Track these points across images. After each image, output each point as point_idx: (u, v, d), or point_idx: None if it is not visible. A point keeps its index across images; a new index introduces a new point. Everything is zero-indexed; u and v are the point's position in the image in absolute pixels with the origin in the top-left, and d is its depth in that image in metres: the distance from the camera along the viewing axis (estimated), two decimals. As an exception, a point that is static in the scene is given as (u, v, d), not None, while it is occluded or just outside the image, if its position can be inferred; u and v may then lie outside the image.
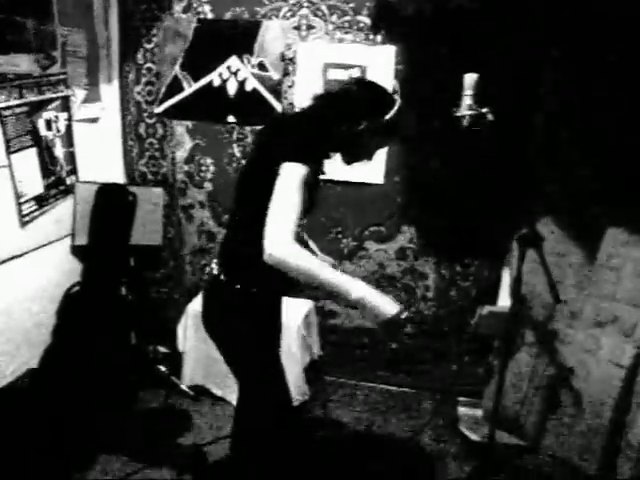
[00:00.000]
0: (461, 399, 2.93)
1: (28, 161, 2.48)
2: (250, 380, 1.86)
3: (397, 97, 1.78)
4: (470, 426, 2.75)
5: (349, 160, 1.85)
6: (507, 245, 2.72)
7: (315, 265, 1.53)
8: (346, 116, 1.71)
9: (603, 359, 2.42)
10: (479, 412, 2.83)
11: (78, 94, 2.75)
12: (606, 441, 2.39)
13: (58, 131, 2.65)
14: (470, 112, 1.97)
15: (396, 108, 1.73)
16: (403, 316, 1.58)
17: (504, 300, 2.74)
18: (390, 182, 2.85)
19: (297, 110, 1.90)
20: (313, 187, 1.69)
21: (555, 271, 2.33)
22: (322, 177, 1.84)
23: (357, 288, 1.54)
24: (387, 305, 1.56)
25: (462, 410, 2.87)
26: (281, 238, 1.49)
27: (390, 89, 1.86)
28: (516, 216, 2.22)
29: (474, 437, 2.68)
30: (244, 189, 1.78)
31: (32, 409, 2.37)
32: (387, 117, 1.71)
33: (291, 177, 1.54)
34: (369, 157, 1.84)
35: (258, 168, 1.70)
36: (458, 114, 2.00)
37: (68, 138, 2.73)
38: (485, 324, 2.62)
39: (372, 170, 2.80)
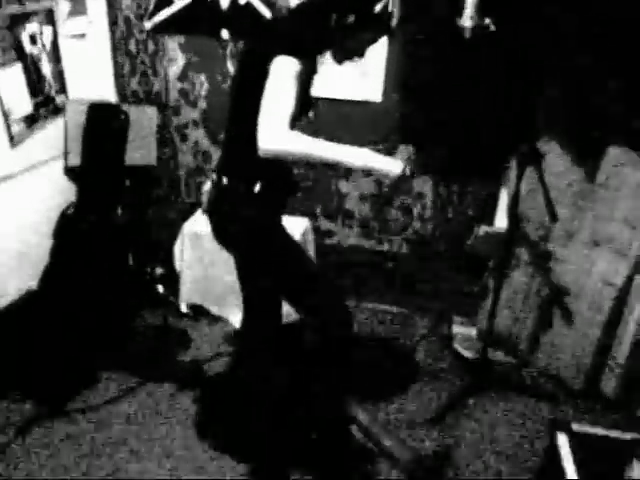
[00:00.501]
0: (456, 318, 2.99)
1: (14, 78, 2.39)
2: (256, 293, 1.89)
3: None
4: (464, 344, 2.81)
5: (340, 57, 1.77)
6: (506, 164, 2.68)
7: (314, 145, 1.55)
8: (334, 8, 1.64)
9: (596, 278, 2.44)
10: (473, 331, 2.88)
11: (62, 6, 2.62)
12: (594, 358, 2.46)
13: (44, 46, 2.55)
14: (472, 22, 1.89)
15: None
16: (408, 171, 1.71)
17: (501, 221, 2.73)
18: (389, 100, 2.77)
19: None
20: (307, 86, 1.66)
21: (553, 191, 2.31)
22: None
23: (360, 157, 1.64)
24: (390, 165, 1.69)
25: (456, 329, 2.92)
26: (275, 129, 1.49)
27: None
28: (516, 134, 2.17)
29: (467, 354, 2.74)
30: (239, 96, 1.72)
31: (32, 329, 2.42)
32: (377, 8, 1.64)
33: (283, 70, 1.51)
34: (361, 53, 1.76)
35: (251, 71, 1.64)
36: (460, 24, 1.91)
37: (55, 54, 2.63)
38: (481, 244, 2.63)
39: (370, 87, 2.72)
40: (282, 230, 1.87)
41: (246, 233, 1.79)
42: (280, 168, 1.74)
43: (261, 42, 1.67)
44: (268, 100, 1.50)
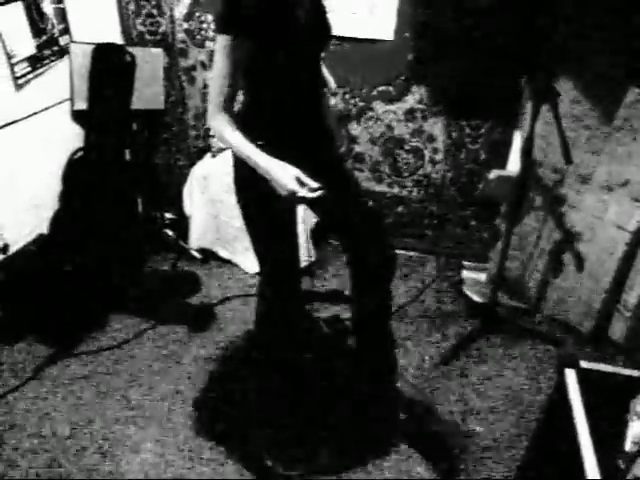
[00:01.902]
0: (465, 263, 2.98)
1: (15, 17, 2.33)
2: (260, 239, 1.86)
3: None
4: (474, 289, 2.81)
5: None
6: (519, 105, 2.61)
7: (231, 139, 1.56)
8: None
9: (609, 223, 2.41)
10: (483, 276, 2.88)
11: (63, -59, 2.54)
12: (604, 303, 2.45)
13: (45, -16, 2.47)
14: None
15: None
16: (299, 195, 1.49)
17: (513, 164, 2.68)
18: (400, 38, 2.68)
19: None
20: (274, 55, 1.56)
21: (569, 134, 2.25)
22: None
23: (260, 162, 1.54)
24: (282, 182, 1.50)
25: (466, 273, 2.92)
26: (208, 114, 1.58)
27: None
28: (531, 72, 2.09)
29: (477, 299, 2.75)
30: None
31: (44, 273, 2.44)
32: None
33: (216, 49, 1.51)
34: None
35: None
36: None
37: (57, -8, 2.55)
38: (493, 188, 2.59)
39: (382, 25, 2.63)
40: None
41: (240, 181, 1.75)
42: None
43: None
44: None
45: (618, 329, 2.45)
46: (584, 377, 1.30)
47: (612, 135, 2.40)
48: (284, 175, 1.50)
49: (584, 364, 1.34)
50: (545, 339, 2.53)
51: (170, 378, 2.26)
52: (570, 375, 1.29)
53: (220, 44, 1.49)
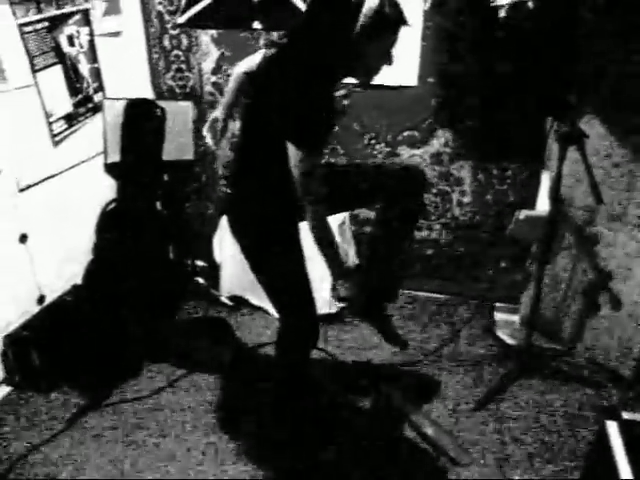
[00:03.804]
0: (498, 305, 2.94)
1: (54, 79, 2.45)
2: (272, 290, 1.94)
3: None
4: (507, 331, 2.76)
5: (363, 77, 1.72)
6: (546, 146, 2.60)
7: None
8: (333, 30, 1.56)
9: (645, 261, 2.36)
10: (516, 317, 2.83)
11: (97, 6, 2.66)
12: (644, 343, 2.38)
13: (81, 47, 2.60)
14: (509, 0, 1.84)
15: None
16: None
17: (543, 204, 2.66)
18: (424, 84, 2.72)
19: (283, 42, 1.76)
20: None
21: (598, 172, 2.23)
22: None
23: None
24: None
25: (499, 315, 2.88)
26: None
27: None
28: (556, 115, 2.09)
29: (510, 341, 2.70)
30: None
31: (79, 323, 2.48)
32: (372, 10, 1.51)
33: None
34: (388, 61, 1.67)
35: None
36: (495, 3, 1.86)
37: (92, 54, 2.68)
38: (522, 229, 2.57)
39: (405, 72, 2.67)
40: (287, 235, 1.87)
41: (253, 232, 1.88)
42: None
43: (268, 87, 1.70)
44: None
45: (660, 371, 2.37)
46: (627, 428, 1.26)
47: (642, 173, 2.37)
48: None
49: (626, 415, 1.30)
50: (582, 382, 2.46)
51: (202, 428, 2.25)
52: (612, 427, 1.25)
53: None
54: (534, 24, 1.91)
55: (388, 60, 1.67)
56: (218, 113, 2.05)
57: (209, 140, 2.08)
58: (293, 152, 1.60)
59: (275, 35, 2.83)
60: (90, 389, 2.43)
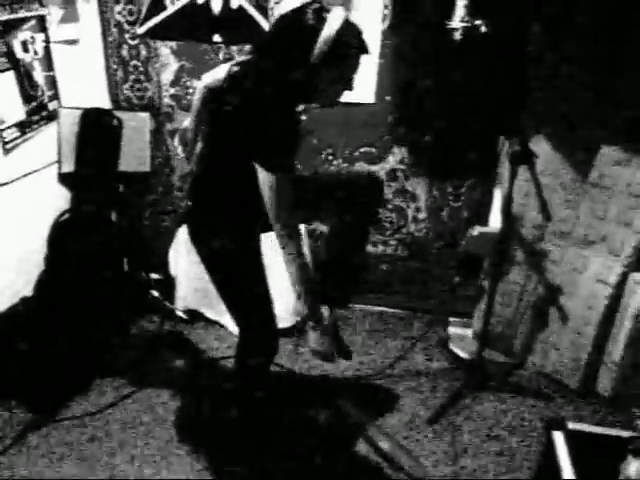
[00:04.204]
0: (452, 319, 2.99)
1: (6, 85, 2.39)
2: (233, 302, 1.93)
3: (338, 10, 1.57)
4: (460, 345, 2.81)
5: (324, 101, 1.76)
6: (498, 164, 2.69)
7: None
8: (293, 54, 1.58)
9: (590, 277, 2.45)
10: (469, 332, 2.89)
11: (54, 13, 2.62)
12: (589, 357, 2.47)
13: (36, 53, 2.54)
14: (463, 24, 1.90)
15: (338, 25, 1.53)
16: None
17: (495, 221, 2.74)
18: (381, 101, 2.77)
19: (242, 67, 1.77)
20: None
21: (546, 190, 2.32)
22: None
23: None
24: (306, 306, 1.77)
25: (453, 330, 2.93)
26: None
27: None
28: (508, 134, 2.17)
29: (464, 355, 2.75)
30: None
31: (27, 336, 2.40)
32: (331, 36, 1.53)
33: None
34: (348, 88, 1.70)
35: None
36: (451, 26, 1.92)
37: (47, 61, 2.62)
38: (476, 245, 2.64)
39: (363, 89, 2.72)
40: (248, 248, 1.87)
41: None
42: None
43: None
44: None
45: (605, 383, 2.46)
46: (572, 438, 1.30)
47: (588, 191, 2.47)
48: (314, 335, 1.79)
49: (571, 425, 1.34)
50: (533, 394, 2.52)
51: (156, 443, 2.20)
52: (558, 437, 1.29)
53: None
54: (487, 47, 1.98)
55: (348, 86, 1.70)
56: (187, 123, 2.03)
57: (180, 151, 2.06)
58: (263, 173, 1.60)
59: (235, 49, 2.85)
60: (38, 405, 2.35)
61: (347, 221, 1.96)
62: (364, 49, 1.64)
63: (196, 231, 1.90)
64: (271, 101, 1.60)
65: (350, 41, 1.59)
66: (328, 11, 1.56)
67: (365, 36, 1.63)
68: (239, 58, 1.90)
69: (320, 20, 1.53)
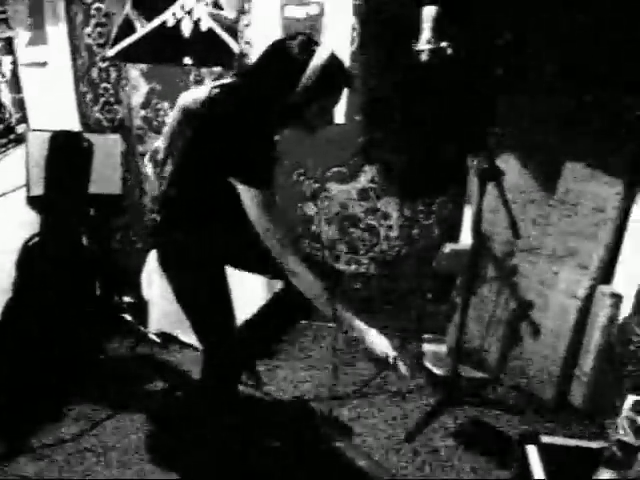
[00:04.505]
0: (425, 336, 3.00)
1: (-27, 108, 2.37)
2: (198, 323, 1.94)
3: (326, 44, 1.64)
4: (434, 362, 2.82)
5: (304, 129, 1.78)
6: (467, 182, 2.74)
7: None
8: (279, 83, 1.62)
9: (560, 291, 2.49)
10: (443, 348, 2.90)
11: (22, 35, 2.60)
12: (562, 370, 2.50)
13: (3, 76, 2.52)
14: (429, 46, 1.95)
15: (325, 59, 1.58)
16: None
17: (467, 238, 2.78)
18: (351, 121, 2.81)
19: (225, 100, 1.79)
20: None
21: (515, 207, 2.37)
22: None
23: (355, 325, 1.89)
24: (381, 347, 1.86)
25: (427, 347, 2.94)
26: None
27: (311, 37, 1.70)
28: (476, 152, 2.22)
29: (438, 372, 2.76)
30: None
31: (-4, 362, 2.36)
32: (318, 68, 1.57)
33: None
34: (328, 120, 1.77)
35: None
36: (417, 48, 1.97)
37: (15, 83, 2.60)
38: (447, 262, 2.67)
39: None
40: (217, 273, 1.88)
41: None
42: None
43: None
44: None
45: (578, 395, 2.49)
46: (546, 451, 1.31)
47: (555, 207, 2.53)
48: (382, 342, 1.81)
49: (545, 439, 1.36)
50: (508, 408, 2.54)
51: (130, 472, 2.16)
52: (531, 451, 1.31)
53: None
54: (453, 67, 2.03)
55: (328, 119, 1.75)
56: (159, 143, 2.03)
57: (149, 170, 2.06)
58: (248, 192, 1.61)
59: (205, 71, 2.86)
60: (7, 434, 2.28)
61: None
62: (348, 83, 1.70)
63: (166, 253, 1.89)
64: (252, 125, 1.63)
65: (335, 75, 1.64)
66: (317, 44, 1.61)
67: (347, 72, 1.71)
68: (218, 81, 1.92)
69: (308, 52, 1.58)
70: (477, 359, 2.78)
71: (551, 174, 2.53)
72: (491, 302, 2.72)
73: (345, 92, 1.72)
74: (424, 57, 1.96)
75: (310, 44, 1.60)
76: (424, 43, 1.96)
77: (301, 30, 2.59)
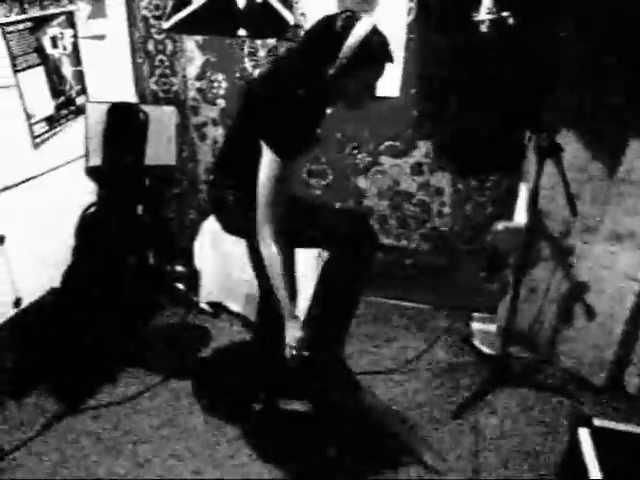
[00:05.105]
0: (475, 315, 2.97)
1: (36, 80, 2.43)
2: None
3: (367, 19, 1.66)
4: (484, 340, 2.79)
5: (348, 104, 1.82)
6: (525, 158, 2.65)
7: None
8: (320, 65, 1.67)
9: (618, 274, 2.41)
10: (493, 327, 2.86)
11: (83, 9, 2.66)
12: (616, 354, 2.43)
13: (65, 49, 2.58)
14: (489, 16, 1.88)
15: (364, 33, 1.62)
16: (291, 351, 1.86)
17: (520, 216, 2.71)
18: (406, 94, 2.76)
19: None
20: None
21: (573, 185, 2.28)
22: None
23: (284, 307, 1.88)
24: (290, 331, 1.89)
25: (476, 325, 2.91)
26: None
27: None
28: (535, 129, 2.14)
29: (487, 351, 2.73)
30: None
31: (56, 326, 2.46)
32: (353, 48, 1.62)
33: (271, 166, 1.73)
34: (370, 94, 1.82)
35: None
36: (477, 18, 1.91)
37: (75, 56, 2.66)
38: (500, 240, 2.61)
39: (388, 83, 2.71)
40: None
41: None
42: None
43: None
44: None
45: (632, 380, 2.42)
46: (598, 435, 1.29)
47: (617, 186, 2.43)
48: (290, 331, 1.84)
49: (597, 422, 1.33)
50: (557, 391, 2.49)
51: (180, 434, 2.24)
52: (583, 434, 1.28)
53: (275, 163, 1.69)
54: (514, 39, 1.96)
55: (371, 93, 1.79)
56: None
57: None
58: (266, 157, 1.68)
59: (259, 43, 2.85)
60: (65, 394, 2.40)
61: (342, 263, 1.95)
62: (389, 58, 1.70)
63: (226, 224, 1.99)
64: (292, 96, 1.68)
65: (375, 49, 1.66)
66: (358, 20, 1.63)
67: (390, 46, 1.70)
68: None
69: (349, 28, 1.61)
70: (527, 340, 2.73)
71: (613, 151, 2.42)
72: (544, 282, 2.65)
73: (400, 66, 1.72)
74: (484, 28, 1.90)
75: (353, 19, 1.63)
76: (484, 13, 1.89)
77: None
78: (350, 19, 1.64)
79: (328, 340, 2.04)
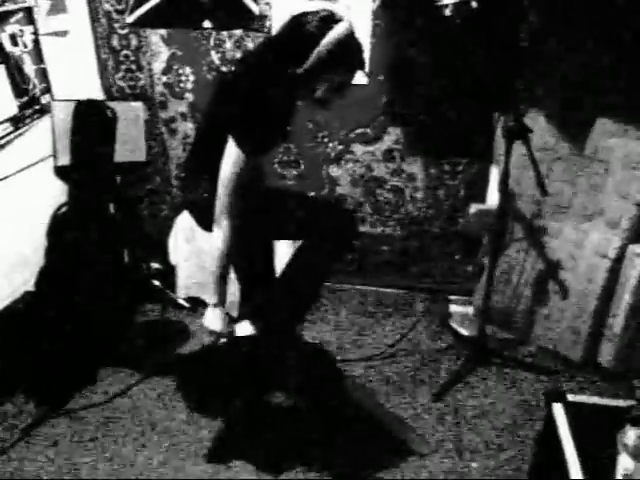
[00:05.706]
0: (452, 297, 3.00)
1: (-3, 80, 2.39)
2: None
3: (345, 22, 1.66)
4: (462, 323, 2.83)
5: (317, 103, 1.84)
6: (494, 141, 2.68)
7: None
8: (291, 61, 1.67)
9: (590, 251, 2.45)
10: (470, 309, 2.90)
11: (42, 4, 2.60)
12: (590, 330, 2.48)
13: (25, 46, 2.53)
14: (453, 0, 1.89)
15: (339, 36, 1.63)
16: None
17: (492, 198, 2.74)
18: (374, 82, 2.75)
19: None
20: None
21: (542, 165, 2.31)
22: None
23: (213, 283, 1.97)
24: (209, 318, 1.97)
25: (453, 308, 2.94)
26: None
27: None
28: (502, 110, 2.16)
29: (465, 332, 2.76)
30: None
31: (31, 330, 2.42)
32: (327, 47, 1.62)
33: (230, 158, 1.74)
34: (340, 95, 1.82)
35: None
36: (441, 3, 1.91)
37: (37, 54, 2.60)
38: (474, 222, 2.64)
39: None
40: None
41: None
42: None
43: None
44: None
45: (606, 355, 2.47)
46: (572, 410, 1.31)
47: (585, 164, 2.47)
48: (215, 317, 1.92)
49: (571, 397, 1.36)
50: (536, 370, 2.54)
51: (164, 430, 2.23)
52: (558, 409, 1.31)
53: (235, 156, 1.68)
54: (478, 23, 1.96)
55: (339, 95, 1.81)
56: None
57: None
58: (231, 149, 1.67)
59: (225, 34, 2.83)
60: (45, 397, 2.37)
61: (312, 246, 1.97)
62: (361, 65, 1.75)
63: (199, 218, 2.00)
64: (259, 92, 1.68)
65: (350, 53, 1.68)
66: (336, 21, 1.63)
67: (363, 54, 1.77)
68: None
69: (325, 28, 1.62)
70: (504, 320, 2.77)
71: (580, 130, 2.46)
72: (519, 262, 2.69)
73: (367, 53, 1.74)
74: (448, 12, 1.90)
75: (330, 20, 1.63)
76: (448, -3, 1.90)
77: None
78: (328, 19, 1.64)
79: (285, 323, 2.09)
